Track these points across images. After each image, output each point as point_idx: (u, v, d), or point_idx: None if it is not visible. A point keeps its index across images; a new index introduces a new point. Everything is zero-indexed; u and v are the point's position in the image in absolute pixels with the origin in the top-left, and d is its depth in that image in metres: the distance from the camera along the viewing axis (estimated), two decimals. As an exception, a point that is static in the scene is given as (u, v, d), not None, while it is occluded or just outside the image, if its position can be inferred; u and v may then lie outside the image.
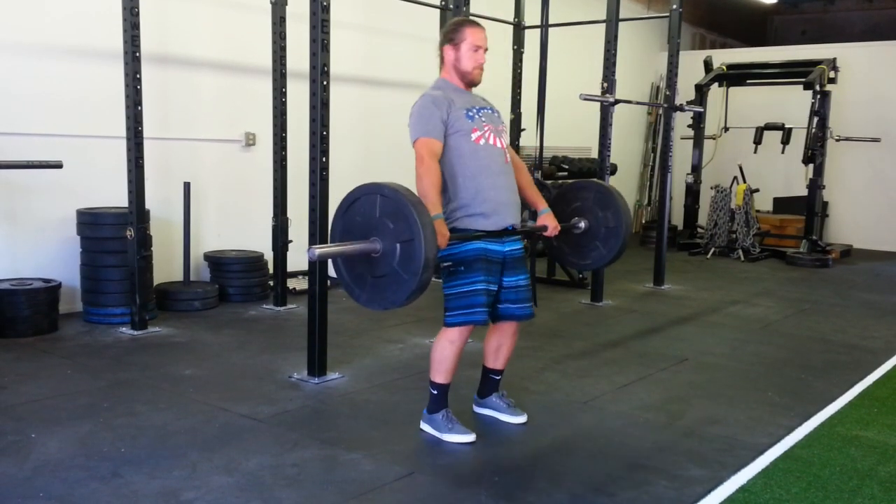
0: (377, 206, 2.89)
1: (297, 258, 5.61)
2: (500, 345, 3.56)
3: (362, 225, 2.92)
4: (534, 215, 3.77)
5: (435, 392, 3.39)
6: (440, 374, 3.35)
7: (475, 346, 3.71)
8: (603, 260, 3.93)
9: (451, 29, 3.38)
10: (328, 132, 4.00)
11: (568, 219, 3.84)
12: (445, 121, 3.24)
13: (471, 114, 3.31)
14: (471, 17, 3.46)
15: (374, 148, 7.55)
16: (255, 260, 6.13)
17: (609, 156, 6.48)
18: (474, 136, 3.28)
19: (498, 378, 3.65)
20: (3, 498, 2.73)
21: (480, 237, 3.26)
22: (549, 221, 3.60)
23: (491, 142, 3.33)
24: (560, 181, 8.16)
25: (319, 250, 2.82)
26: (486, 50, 3.36)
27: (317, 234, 4.04)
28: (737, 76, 10.02)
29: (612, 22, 6.39)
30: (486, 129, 3.32)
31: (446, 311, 3.29)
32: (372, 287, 2.90)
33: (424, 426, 3.43)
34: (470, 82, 3.39)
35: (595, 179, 3.88)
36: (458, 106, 3.28)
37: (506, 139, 3.46)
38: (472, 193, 3.26)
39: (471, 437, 3.35)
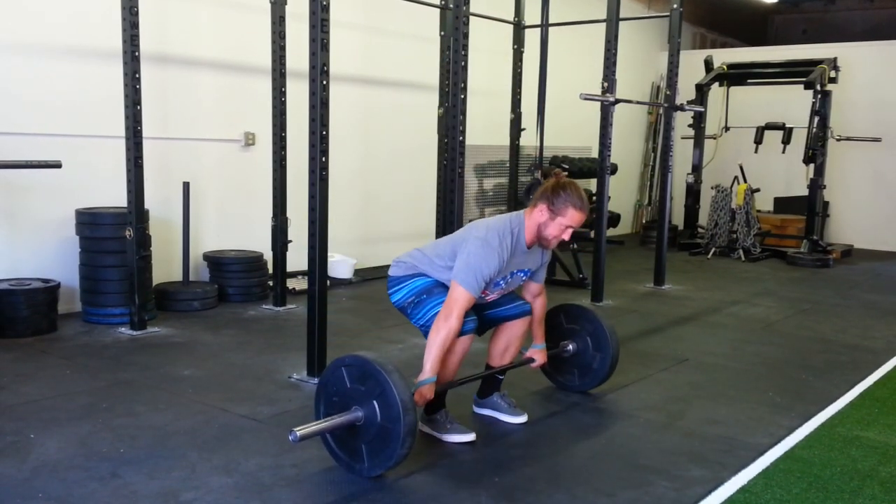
0: (345, 377, 2.93)
1: (297, 258, 5.60)
2: (508, 344, 3.61)
3: (340, 403, 2.95)
4: None
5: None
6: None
7: (473, 346, 3.69)
8: (572, 387, 4.06)
9: (559, 198, 3.24)
10: (328, 132, 3.99)
11: (562, 333, 3.96)
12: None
13: (505, 280, 3.35)
14: (579, 195, 3.24)
15: (374, 147, 7.56)
16: (255, 260, 6.13)
17: (609, 155, 6.48)
18: (485, 294, 3.34)
19: (502, 377, 3.69)
20: (2, 498, 2.73)
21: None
22: (538, 356, 3.73)
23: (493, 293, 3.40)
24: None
25: (301, 431, 2.77)
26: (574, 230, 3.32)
27: (316, 233, 4.00)
28: (737, 76, 10.01)
29: (613, 21, 6.39)
30: (496, 292, 3.39)
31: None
32: (369, 454, 2.89)
33: (424, 427, 3.42)
34: (539, 245, 3.39)
35: (604, 319, 3.93)
36: (506, 267, 3.28)
37: (518, 282, 3.47)
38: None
39: (471, 437, 3.35)
